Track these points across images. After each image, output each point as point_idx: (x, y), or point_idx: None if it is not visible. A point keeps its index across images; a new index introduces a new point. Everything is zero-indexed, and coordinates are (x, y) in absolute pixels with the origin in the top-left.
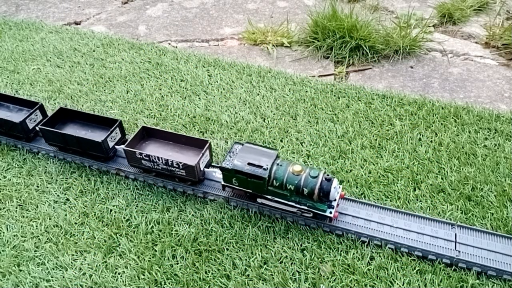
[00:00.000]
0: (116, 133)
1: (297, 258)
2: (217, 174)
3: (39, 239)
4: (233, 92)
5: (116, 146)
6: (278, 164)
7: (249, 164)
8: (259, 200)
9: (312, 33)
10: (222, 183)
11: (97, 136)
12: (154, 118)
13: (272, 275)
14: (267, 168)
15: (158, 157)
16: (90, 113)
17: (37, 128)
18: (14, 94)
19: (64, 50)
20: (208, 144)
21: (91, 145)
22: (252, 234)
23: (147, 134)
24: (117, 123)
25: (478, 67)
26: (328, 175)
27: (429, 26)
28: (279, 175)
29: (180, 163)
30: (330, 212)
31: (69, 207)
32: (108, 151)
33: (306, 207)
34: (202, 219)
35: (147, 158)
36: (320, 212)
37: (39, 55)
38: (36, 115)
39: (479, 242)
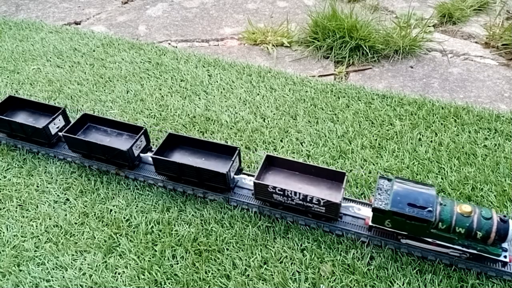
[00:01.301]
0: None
1: (297, 258)
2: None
3: (39, 239)
4: (233, 92)
5: (235, 177)
6: (441, 204)
7: (409, 204)
8: (403, 240)
9: (312, 33)
10: (370, 223)
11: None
12: (154, 118)
13: (272, 275)
14: (432, 209)
15: (295, 192)
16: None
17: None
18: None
19: (64, 50)
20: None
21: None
22: (252, 234)
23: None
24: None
25: (478, 67)
26: (504, 215)
27: (429, 26)
28: (446, 216)
29: (322, 199)
30: (505, 256)
31: (69, 207)
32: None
33: (476, 251)
34: (202, 219)
35: (281, 193)
36: (494, 256)
37: (39, 55)
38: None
39: None
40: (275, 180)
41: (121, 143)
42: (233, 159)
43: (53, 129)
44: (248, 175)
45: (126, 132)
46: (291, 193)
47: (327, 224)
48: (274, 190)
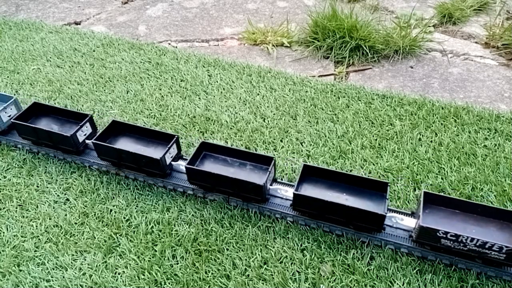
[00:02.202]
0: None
1: (297, 258)
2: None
3: (39, 239)
4: (233, 92)
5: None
6: None
7: None
8: None
9: (312, 33)
10: None
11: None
12: (154, 118)
13: (272, 275)
14: None
15: (471, 238)
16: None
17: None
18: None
19: (64, 50)
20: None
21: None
22: (252, 234)
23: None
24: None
25: (478, 67)
26: None
27: (429, 26)
28: None
29: (506, 246)
30: None
31: (69, 207)
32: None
33: None
34: (202, 219)
35: (453, 238)
36: None
37: (39, 55)
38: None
39: None
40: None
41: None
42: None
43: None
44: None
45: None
46: (465, 239)
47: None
48: (443, 235)
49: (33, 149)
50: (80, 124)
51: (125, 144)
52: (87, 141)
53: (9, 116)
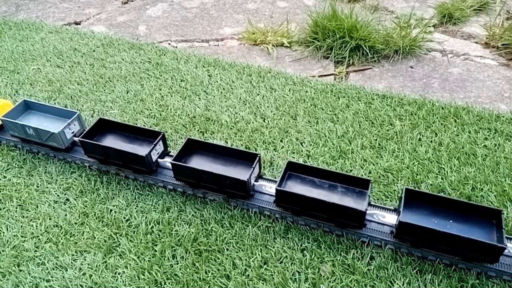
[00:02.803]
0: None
1: (297, 258)
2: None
3: (39, 239)
4: (233, 92)
5: None
6: None
7: None
8: None
9: (312, 33)
10: None
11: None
12: (154, 118)
13: (272, 275)
14: None
15: None
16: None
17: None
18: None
19: (64, 50)
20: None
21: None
22: (252, 234)
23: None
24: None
25: (478, 67)
26: None
27: (429, 26)
28: None
29: None
30: None
31: (69, 207)
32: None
33: None
34: (202, 219)
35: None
36: None
37: (39, 55)
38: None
39: None
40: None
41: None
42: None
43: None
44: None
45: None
46: None
47: None
48: None
49: (33, 149)
50: (154, 143)
51: (202, 163)
52: (159, 160)
53: (73, 132)
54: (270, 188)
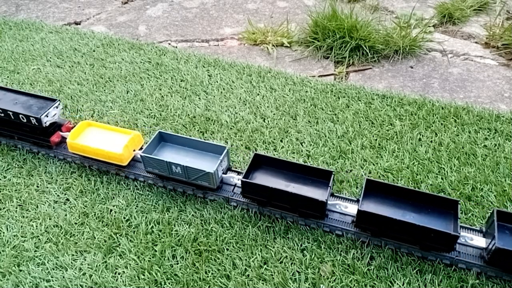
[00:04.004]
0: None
1: (297, 258)
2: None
3: (39, 239)
4: (233, 92)
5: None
6: None
7: None
8: None
9: (312, 33)
10: None
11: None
12: (154, 118)
13: (272, 275)
14: None
15: None
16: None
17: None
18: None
19: (64, 50)
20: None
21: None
22: (252, 234)
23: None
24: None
25: (478, 67)
26: None
27: (429, 26)
28: None
29: None
30: None
31: (69, 207)
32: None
33: None
34: (202, 219)
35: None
36: None
37: (39, 55)
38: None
39: None
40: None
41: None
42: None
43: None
44: None
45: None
46: None
47: None
48: None
49: (33, 149)
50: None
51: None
52: None
53: (223, 169)
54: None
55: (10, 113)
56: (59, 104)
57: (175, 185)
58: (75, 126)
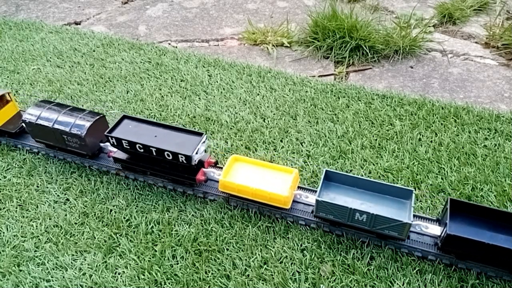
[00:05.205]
0: None
1: (297, 258)
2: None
3: (39, 239)
4: (233, 92)
5: None
6: None
7: None
8: None
9: (312, 33)
10: None
11: None
12: (154, 118)
13: (272, 275)
14: None
15: None
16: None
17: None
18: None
19: (64, 50)
20: None
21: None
22: (252, 234)
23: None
24: None
25: (478, 67)
26: None
27: (429, 26)
28: None
29: None
30: None
31: (69, 207)
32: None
33: None
34: (202, 219)
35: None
36: None
37: (39, 55)
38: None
39: None
40: None
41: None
42: None
43: None
44: None
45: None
46: None
47: None
48: None
49: (33, 149)
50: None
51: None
52: None
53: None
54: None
55: (153, 149)
56: (206, 138)
57: (175, 185)
58: (216, 161)
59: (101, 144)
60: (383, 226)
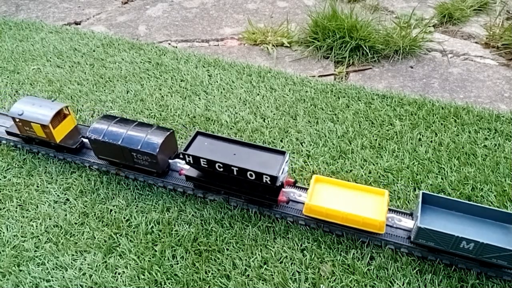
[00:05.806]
0: None
1: (297, 258)
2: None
3: (39, 239)
4: (233, 92)
5: None
6: None
7: None
8: None
9: (312, 33)
10: None
11: None
12: (154, 118)
13: (272, 275)
14: None
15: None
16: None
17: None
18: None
19: (64, 50)
20: None
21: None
22: (252, 234)
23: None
24: None
25: (478, 67)
26: None
27: (429, 26)
28: None
29: None
30: None
31: (69, 207)
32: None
33: None
34: (202, 219)
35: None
36: None
37: (39, 55)
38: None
39: None
40: None
41: None
42: None
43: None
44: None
45: None
46: None
47: None
48: None
49: (33, 149)
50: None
51: None
52: None
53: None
54: None
55: (235, 168)
56: (288, 157)
57: (175, 185)
58: (295, 181)
59: (170, 161)
60: (492, 255)
